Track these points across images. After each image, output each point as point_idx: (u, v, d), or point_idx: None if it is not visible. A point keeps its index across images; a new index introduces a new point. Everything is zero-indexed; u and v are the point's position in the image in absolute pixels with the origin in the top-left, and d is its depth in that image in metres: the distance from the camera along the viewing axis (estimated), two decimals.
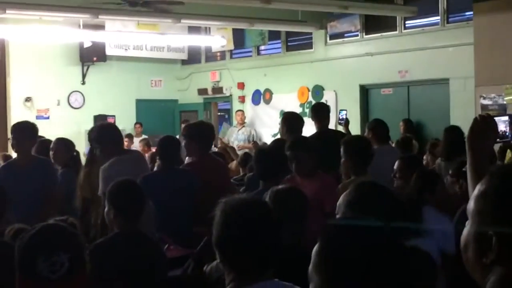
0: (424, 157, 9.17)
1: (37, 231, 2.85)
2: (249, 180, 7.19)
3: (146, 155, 13.19)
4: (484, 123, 2.67)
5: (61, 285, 2.72)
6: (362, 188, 3.25)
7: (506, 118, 2.81)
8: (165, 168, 6.64)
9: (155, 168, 8.49)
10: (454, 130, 7.54)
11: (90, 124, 15.65)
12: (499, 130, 2.77)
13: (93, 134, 6.65)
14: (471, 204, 1.78)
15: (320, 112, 8.09)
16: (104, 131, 6.63)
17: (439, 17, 13.07)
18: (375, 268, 1.72)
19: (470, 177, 2.63)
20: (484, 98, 11.26)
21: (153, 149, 13.57)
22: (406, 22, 13.68)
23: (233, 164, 9.60)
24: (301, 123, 7.65)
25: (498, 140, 2.80)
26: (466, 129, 10.15)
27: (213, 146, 9.16)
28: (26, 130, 6.98)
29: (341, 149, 5.84)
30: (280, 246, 2.75)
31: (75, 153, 7.68)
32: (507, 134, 2.81)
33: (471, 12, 11.83)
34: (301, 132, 7.54)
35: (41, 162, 6.99)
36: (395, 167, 5.78)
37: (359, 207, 3.13)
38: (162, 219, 6.06)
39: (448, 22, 12.98)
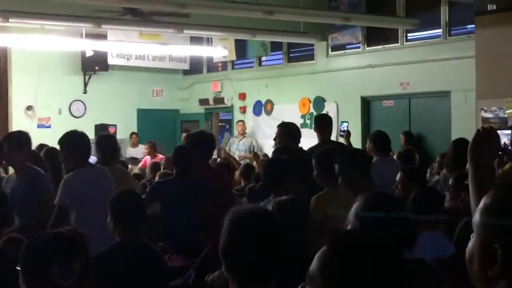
0: (428, 170, 9.15)
1: (51, 239, 2.90)
2: (250, 190, 7.20)
3: (150, 159, 13.23)
4: (486, 136, 2.67)
5: None
6: (371, 199, 3.25)
7: (509, 131, 2.83)
8: (179, 176, 6.64)
9: (157, 178, 8.50)
10: (462, 142, 7.54)
11: (91, 133, 15.69)
12: (501, 143, 2.78)
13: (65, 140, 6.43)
14: (476, 217, 1.79)
15: (322, 123, 8.10)
16: (75, 140, 6.39)
17: (440, 30, 13.10)
18: (382, 277, 1.72)
19: (472, 190, 2.63)
20: (485, 111, 11.27)
21: (159, 155, 13.61)
22: (408, 34, 13.71)
23: (235, 175, 9.61)
24: (299, 134, 7.68)
25: (500, 153, 2.81)
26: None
27: (216, 156, 9.17)
28: (10, 142, 6.63)
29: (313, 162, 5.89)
30: (283, 257, 2.77)
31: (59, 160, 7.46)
32: (509, 147, 2.83)
33: (473, 25, 11.85)
34: (298, 142, 7.58)
35: (31, 174, 6.59)
36: (397, 178, 5.79)
37: (366, 219, 3.13)
38: (170, 227, 6.11)
39: (449, 35, 13.00)
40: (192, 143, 6.90)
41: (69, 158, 6.31)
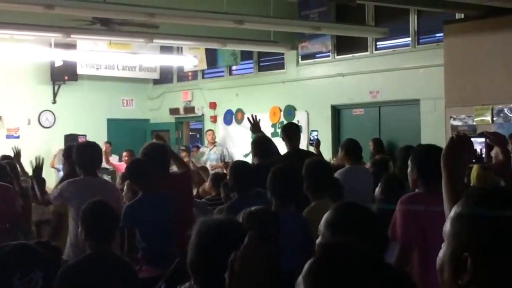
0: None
1: (12, 250, 2.87)
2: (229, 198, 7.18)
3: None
4: (460, 142, 2.67)
5: None
6: (341, 208, 3.25)
7: (482, 139, 2.82)
8: (145, 195, 6.63)
9: (125, 187, 8.47)
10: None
11: (60, 144, 15.62)
12: (475, 151, 2.78)
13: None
14: (447, 226, 1.79)
15: (290, 132, 8.06)
16: (80, 150, 6.79)
17: (409, 39, 13.19)
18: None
19: (445, 196, 2.63)
20: (454, 119, 11.36)
21: None
22: (377, 43, 13.79)
23: (205, 185, 9.58)
24: (272, 146, 7.68)
25: (473, 160, 2.80)
26: None
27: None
28: None
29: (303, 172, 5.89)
30: None
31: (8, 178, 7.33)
32: (482, 155, 2.82)
33: (441, 34, 11.95)
34: (271, 154, 7.57)
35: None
36: (378, 188, 5.82)
37: (338, 228, 3.14)
38: (141, 238, 6.14)
39: (418, 44, 13.10)
40: (147, 156, 6.87)
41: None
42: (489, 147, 2.83)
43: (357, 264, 1.71)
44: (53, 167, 14.88)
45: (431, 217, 3.96)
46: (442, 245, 1.79)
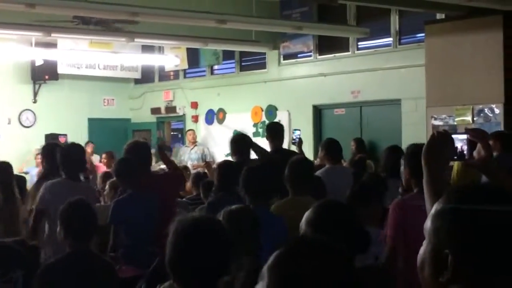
0: None
1: None
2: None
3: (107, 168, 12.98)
4: (441, 139, 2.66)
5: None
6: (322, 207, 3.26)
7: (464, 136, 2.80)
8: (135, 193, 6.62)
9: (107, 187, 8.49)
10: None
11: (41, 143, 15.48)
12: (456, 148, 2.76)
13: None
14: (428, 223, 1.79)
15: (274, 131, 8.13)
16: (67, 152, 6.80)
17: (391, 39, 13.22)
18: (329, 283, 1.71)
19: (426, 193, 2.61)
20: (435, 119, 11.40)
21: None
22: (359, 43, 13.81)
23: (186, 185, 9.58)
24: (248, 145, 7.69)
25: (455, 158, 2.78)
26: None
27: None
28: None
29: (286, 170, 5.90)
30: (230, 264, 2.73)
31: None
32: (464, 152, 2.80)
33: (423, 34, 11.98)
34: (249, 153, 7.60)
35: None
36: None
37: (318, 226, 3.15)
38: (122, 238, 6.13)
39: (400, 44, 13.14)
40: (130, 154, 6.86)
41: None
42: (471, 145, 2.81)
43: (322, 258, 1.71)
44: (21, 172, 14.37)
45: (424, 217, 3.99)
46: (424, 242, 1.79)
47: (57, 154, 6.85)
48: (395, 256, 4.69)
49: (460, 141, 2.76)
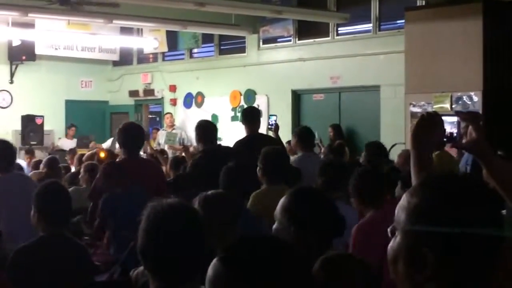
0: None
1: None
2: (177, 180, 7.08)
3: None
4: (430, 120, 2.56)
5: None
6: (297, 194, 3.24)
7: (455, 119, 2.72)
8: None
9: (82, 169, 8.39)
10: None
11: (18, 124, 15.41)
12: (446, 131, 2.66)
13: None
14: (401, 216, 1.67)
15: (250, 116, 8.04)
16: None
17: (371, 25, 13.21)
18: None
19: (414, 174, 2.53)
20: (414, 106, 11.40)
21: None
22: (339, 28, 13.78)
23: (164, 169, 9.51)
24: (214, 132, 7.61)
25: (445, 140, 2.69)
26: (395, 135, 10.30)
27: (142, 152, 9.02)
28: None
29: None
30: (205, 253, 2.67)
31: None
32: (454, 135, 2.72)
33: (403, 20, 11.96)
34: (215, 141, 7.53)
35: None
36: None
37: (293, 212, 3.12)
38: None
39: (380, 30, 13.13)
40: (126, 132, 6.72)
41: None
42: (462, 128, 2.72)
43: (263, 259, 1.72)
44: None
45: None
46: (396, 233, 1.68)
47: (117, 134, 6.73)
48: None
49: (449, 123, 2.67)
